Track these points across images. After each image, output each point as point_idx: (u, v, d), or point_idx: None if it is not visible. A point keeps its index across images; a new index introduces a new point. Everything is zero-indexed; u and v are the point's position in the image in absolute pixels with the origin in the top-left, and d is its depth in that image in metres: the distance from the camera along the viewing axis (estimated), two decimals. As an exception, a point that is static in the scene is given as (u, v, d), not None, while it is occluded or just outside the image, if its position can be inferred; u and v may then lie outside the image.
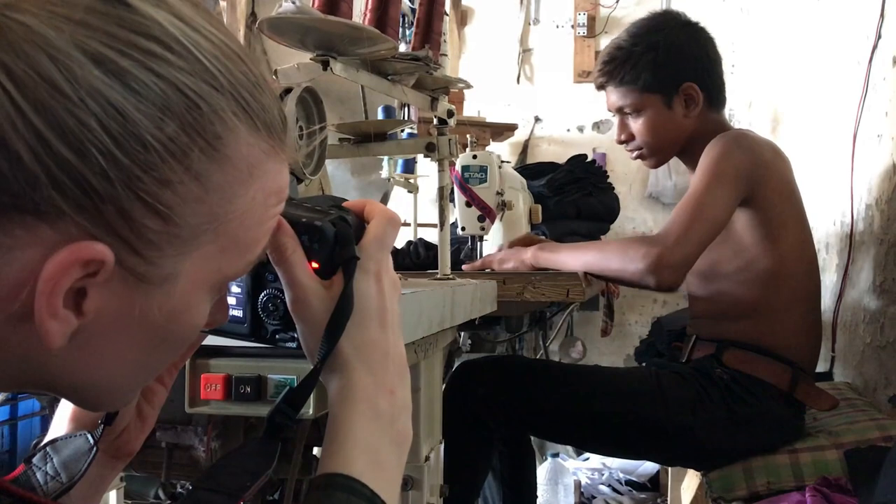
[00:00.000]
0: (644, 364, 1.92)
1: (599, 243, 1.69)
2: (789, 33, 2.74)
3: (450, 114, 1.25)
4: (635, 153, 1.71)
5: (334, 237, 0.57)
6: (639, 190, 3.74)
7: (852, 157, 1.84)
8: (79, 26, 0.40)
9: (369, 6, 0.97)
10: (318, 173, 1.00)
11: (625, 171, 3.75)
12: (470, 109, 3.51)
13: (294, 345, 0.60)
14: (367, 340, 0.57)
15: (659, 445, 1.53)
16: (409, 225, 2.61)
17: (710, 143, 1.55)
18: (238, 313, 0.61)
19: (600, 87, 1.70)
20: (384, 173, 2.20)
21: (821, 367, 1.81)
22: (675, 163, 3.61)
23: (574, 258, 1.51)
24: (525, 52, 3.88)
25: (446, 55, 1.21)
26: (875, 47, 1.76)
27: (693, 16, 1.69)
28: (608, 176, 2.91)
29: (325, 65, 0.86)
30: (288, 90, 0.95)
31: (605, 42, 3.80)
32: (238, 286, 0.61)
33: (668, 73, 1.60)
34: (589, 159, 2.85)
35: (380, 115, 2.05)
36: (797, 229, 1.58)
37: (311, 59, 0.87)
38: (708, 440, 1.50)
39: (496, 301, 1.32)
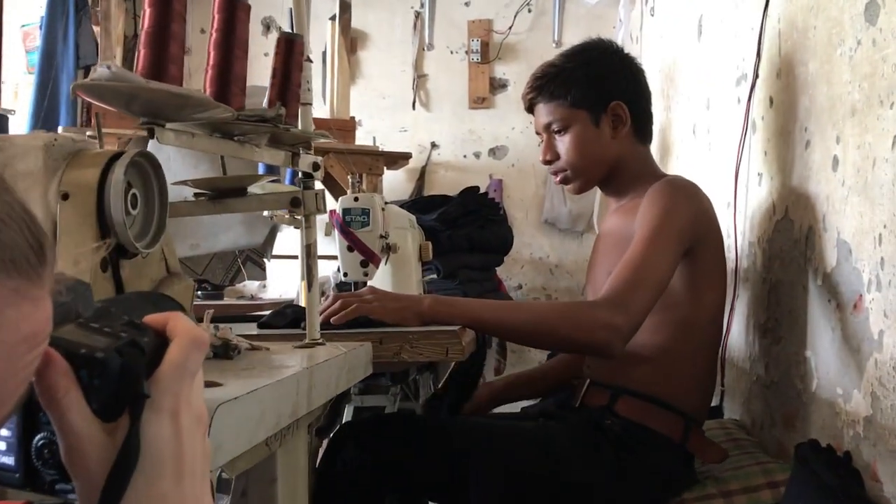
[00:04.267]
0: (537, 409, 1.87)
1: (526, 304, 1.61)
2: (678, 66, 2.78)
3: (315, 167, 1.17)
4: (559, 175, 1.64)
5: (119, 371, 0.48)
6: (535, 216, 3.74)
7: (734, 194, 1.85)
8: None
9: (210, 62, 0.88)
10: (155, 245, 0.90)
11: (521, 196, 3.75)
12: (364, 137, 3.43)
13: (76, 498, 0.50)
14: (156, 497, 0.48)
15: (549, 501, 1.48)
16: (297, 258, 2.51)
17: (653, 189, 1.51)
18: (9, 461, 0.51)
19: (530, 105, 1.64)
20: (266, 212, 2.09)
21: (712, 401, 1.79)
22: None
23: (491, 313, 1.43)
24: (420, 77, 3.83)
25: (309, 104, 1.13)
26: (753, 87, 1.77)
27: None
28: (501, 208, 2.89)
29: (152, 133, 0.77)
30: (116, 156, 0.85)
31: (499, 68, 3.79)
32: (8, 429, 0.51)
33: (597, 90, 1.58)
34: (482, 190, 2.83)
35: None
36: (721, 281, 1.57)
37: (136, 126, 0.77)
38: (598, 494, 1.45)
39: (371, 364, 1.24)
